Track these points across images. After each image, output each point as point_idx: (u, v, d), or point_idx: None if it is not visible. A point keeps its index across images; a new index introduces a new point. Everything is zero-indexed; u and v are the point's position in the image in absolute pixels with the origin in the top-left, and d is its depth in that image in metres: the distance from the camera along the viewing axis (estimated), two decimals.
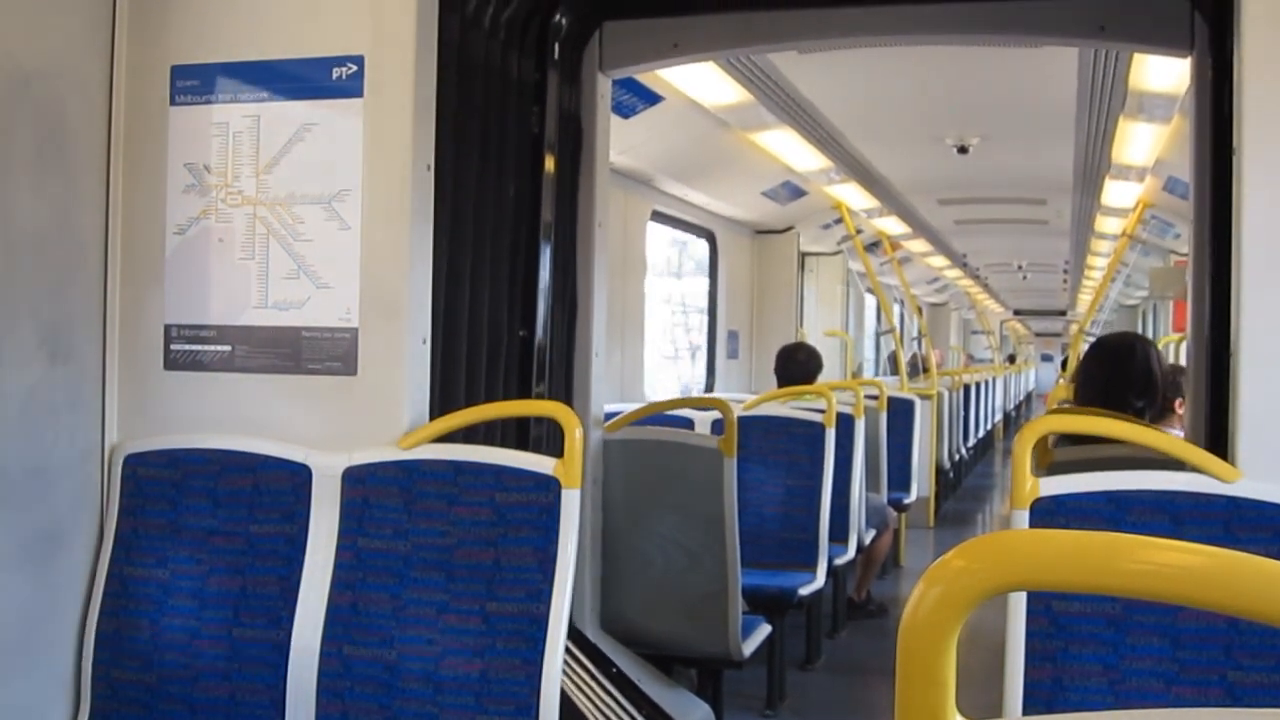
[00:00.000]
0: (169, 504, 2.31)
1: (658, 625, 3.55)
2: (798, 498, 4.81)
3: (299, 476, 2.27)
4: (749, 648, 3.69)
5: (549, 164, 3.06)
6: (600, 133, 3.24)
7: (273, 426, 2.33)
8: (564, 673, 2.15)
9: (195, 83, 2.37)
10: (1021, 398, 23.18)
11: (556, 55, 3.06)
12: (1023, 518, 1.92)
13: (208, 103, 2.37)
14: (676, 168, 6.18)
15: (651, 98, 4.92)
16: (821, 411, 4.89)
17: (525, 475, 2.18)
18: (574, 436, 2.19)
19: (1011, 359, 24.60)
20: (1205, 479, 1.89)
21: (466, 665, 2.11)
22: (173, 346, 2.40)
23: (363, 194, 2.29)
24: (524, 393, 2.95)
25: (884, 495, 6.32)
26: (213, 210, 2.37)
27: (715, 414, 4.96)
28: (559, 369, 3.13)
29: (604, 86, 3.26)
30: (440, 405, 2.45)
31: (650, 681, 3.28)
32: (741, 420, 4.70)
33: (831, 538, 4.85)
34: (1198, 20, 2.58)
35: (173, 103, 2.38)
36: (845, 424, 5.19)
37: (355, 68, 2.29)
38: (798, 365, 5.91)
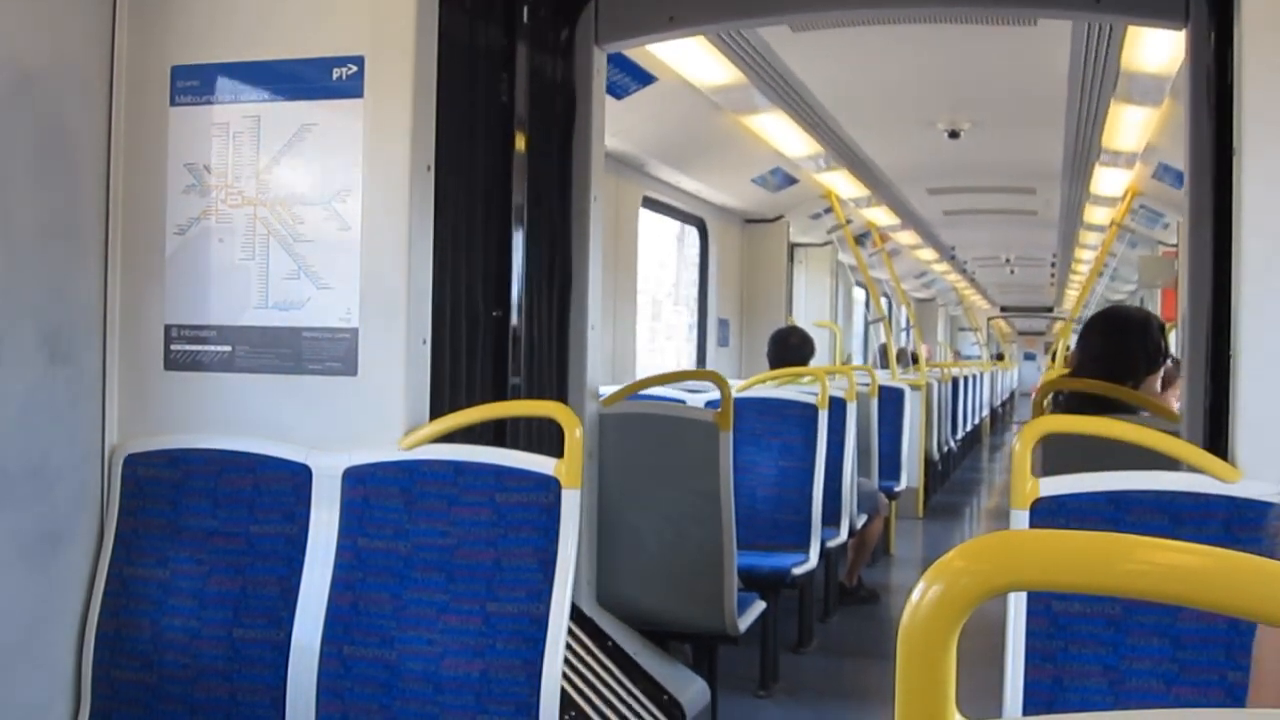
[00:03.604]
0: (169, 504, 2.31)
1: (653, 600, 3.54)
2: (791, 479, 4.80)
3: (299, 477, 2.26)
4: (744, 623, 3.69)
5: (545, 140, 3.03)
6: (595, 108, 3.19)
7: (273, 427, 2.33)
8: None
9: (195, 83, 2.35)
10: (1006, 395, 23.24)
11: (550, 30, 3.03)
12: (1023, 518, 1.92)
13: (208, 103, 2.35)
14: (668, 152, 6.15)
15: (645, 78, 4.88)
16: (814, 394, 4.90)
17: (525, 475, 2.18)
18: (574, 436, 2.19)
19: (1000, 356, 24.77)
20: (1205, 479, 1.90)
21: (467, 665, 2.12)
22: (173, 347, 2.39)
23: (363, 194, 2.28)
24: (500, 378, 2.89)
25: (875, 481, 6.34)
26: (213, 210, 2.36)
27: (708, 395, 4.97)
28: (546, 350, 3.10)
29: (599, 61, 3.22)
30: (434, 399, 2.45)
31: (646, 655, 3.27)
32: (735, 402, 4.72)
33: (824, 520, 4.85)
34: None
35: (173, 103, 2.37)
36: (838, 408, 5.19)
37: (355, 68, 2.28)
38: (791, 349, 5.95)
